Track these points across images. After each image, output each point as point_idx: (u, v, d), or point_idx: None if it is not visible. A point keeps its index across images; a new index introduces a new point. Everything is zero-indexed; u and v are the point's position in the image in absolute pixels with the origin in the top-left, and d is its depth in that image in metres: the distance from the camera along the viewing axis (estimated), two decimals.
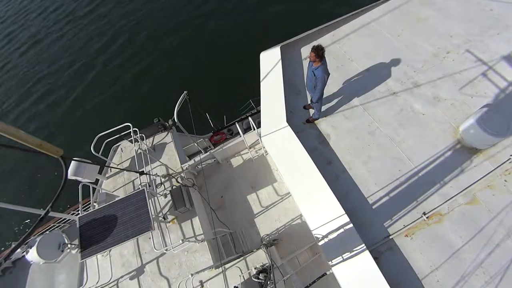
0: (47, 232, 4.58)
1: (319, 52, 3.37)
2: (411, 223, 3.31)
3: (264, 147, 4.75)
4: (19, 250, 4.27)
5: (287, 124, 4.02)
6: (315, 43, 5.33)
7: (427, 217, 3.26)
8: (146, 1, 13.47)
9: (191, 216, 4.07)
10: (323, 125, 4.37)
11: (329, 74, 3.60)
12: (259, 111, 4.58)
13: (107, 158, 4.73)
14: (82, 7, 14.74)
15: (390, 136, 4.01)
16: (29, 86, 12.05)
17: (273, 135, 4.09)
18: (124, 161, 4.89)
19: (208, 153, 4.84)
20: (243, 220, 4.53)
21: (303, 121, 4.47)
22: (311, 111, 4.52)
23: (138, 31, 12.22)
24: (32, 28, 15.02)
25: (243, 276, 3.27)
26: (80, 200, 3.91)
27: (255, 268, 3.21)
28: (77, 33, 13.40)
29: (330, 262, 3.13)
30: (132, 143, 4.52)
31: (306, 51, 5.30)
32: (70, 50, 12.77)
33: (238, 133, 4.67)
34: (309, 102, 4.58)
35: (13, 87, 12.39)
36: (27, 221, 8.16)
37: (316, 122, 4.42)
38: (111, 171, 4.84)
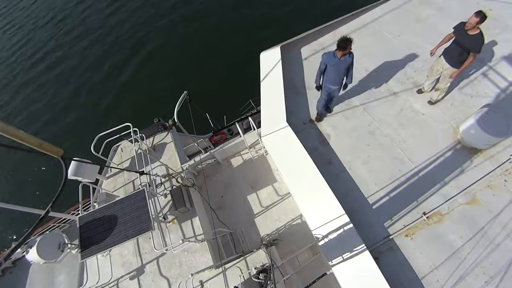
0: (47, 232, 4.58)
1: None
2: (411, 223, 3.31)
3: (264, 147, 4.75)
4: (19, 250, 4.27)
5: (287, 124, 4.02)
6: (316, 42, 5.34)
7: (427, 217, 3.25)
8: (145, 1, 13.49)
9: (191, 216, 4.06)
10: (323, 125, 4.37)
11: None
12: (259, 111, 4.57)
13: (107, 158, 4.72)
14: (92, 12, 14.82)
15: (390, 136, 4.01)
16: (29, 87, 12.07)
17: (273, 135, 4.09)
18: (124, 161, 4.89)
19: (208, 153, 4.83)
20: (243, 220, 4.52)
21: (303, 121, 4.47)
22: (313, 115, 4.48)
23: (138, 31, 12.23)
24: (34, 32, 15.03)
25: (243, 276, 3.26)
26: (80, 200, 3.90)
27: (255, 268, 3.20)
28: (81, 37, 13.46)
29: (330, 262, 3.13)
30: (132, 143, 4.51)
31: (306, 51, 5.30)
32: (72, 52, 12.79)
33: (238, 133, 4.67)
34: (322, 103, 4.15)
35: (15, 88, 12.39)
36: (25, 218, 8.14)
37: (316, 122, 4.42)
38: (111, 171, 4.84)
